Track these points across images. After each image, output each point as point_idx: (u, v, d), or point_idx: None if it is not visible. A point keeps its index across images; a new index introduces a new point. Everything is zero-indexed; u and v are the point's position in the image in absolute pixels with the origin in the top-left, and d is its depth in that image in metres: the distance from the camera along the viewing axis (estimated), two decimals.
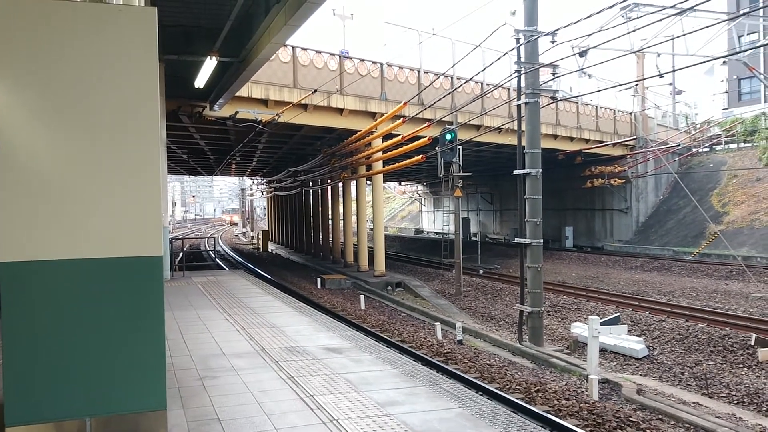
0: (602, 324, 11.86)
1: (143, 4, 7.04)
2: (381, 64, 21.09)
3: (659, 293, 18.35)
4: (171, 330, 7.70)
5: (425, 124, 16.67)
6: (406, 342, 11.26)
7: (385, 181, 39.54)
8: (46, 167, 3.44)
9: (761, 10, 22.27)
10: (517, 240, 12.87)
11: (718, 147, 34.82)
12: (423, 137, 17.13)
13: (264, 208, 74.37)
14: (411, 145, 17.40)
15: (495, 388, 8.08)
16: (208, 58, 12.17)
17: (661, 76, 13.84)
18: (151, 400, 3.66)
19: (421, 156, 18.08)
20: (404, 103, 16.32)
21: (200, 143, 25.37)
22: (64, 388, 3.48)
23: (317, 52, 19.33)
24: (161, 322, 3.69)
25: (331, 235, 28.86)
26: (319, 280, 20.83)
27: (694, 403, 8.58)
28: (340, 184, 27.17)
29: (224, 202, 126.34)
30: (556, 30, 11.61)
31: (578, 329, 12.85)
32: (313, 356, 6.28)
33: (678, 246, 27.68)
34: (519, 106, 12.68)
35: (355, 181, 24.61)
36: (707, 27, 10.54)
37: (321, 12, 9.59)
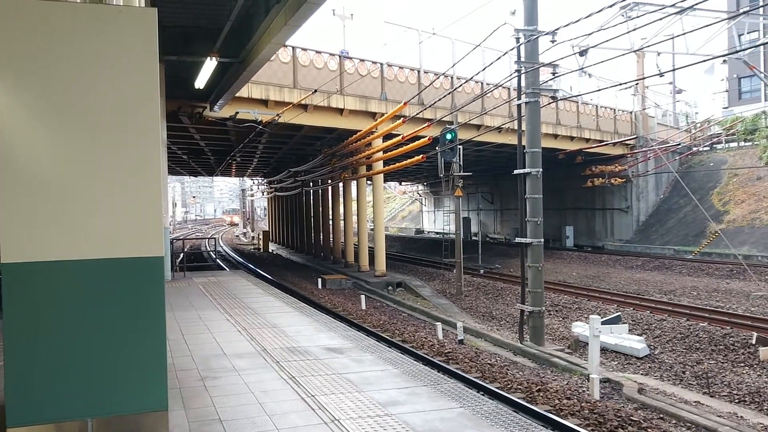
0: (603, 323, 11.86)
1: (143, 5, 7.04)
2: (381, 64, 21.09)
3: (660, 292, 18.33)
4: (172, 330, 7.70)
5: (425, 124, 16.67)
6: (407, 342, 11.26)
7: (385, 181, 39.54)
8: (46, 168, 3.44)
9: (761, 9, 22.26)
10: (517, 239, 12.87)
11: (719, 146, 34.81)
12: (423, 137, 17.13)
13: (264, 209, 74.41)
14: (411, 145, 17.40)
15: (496, 388, 8.07)
16: (208, 58, 12.17)
17: (661, 75, 13.84)
18: (153, 400, 3.66)
19: (421, 156, 18.08)
20: (404, 103, 16.32)
21: (200, 144, 25.37)
22: (65, 388, 3.48)
23: (317, 52, 19.33)
24: (162, 323, 3.69)
25: (331, 235, 28.86)
26: (319, 280, 20.83)
27: (695, 402, 8.58)
28: (341, 184, 27.17)
29: (225, 203, 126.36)
30: (556, 29, 11.60)
31: (579, 329, 12.85)
32: (315, 356, 6.28)
33: (679, 245, 27.67)
34: (519, 106, 12.68)
35: (355, 181, 24.62)
36: (707, 26, 10.52)
37: (321, 12, 9.60)
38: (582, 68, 16.17)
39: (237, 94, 16.38)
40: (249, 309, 9.58)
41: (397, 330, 12.69)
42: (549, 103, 17.08)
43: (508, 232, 38.77)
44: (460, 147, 18.83)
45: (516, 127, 13.01)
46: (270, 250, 38.93)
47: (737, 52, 15.89)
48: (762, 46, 34.62)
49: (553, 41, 11.88)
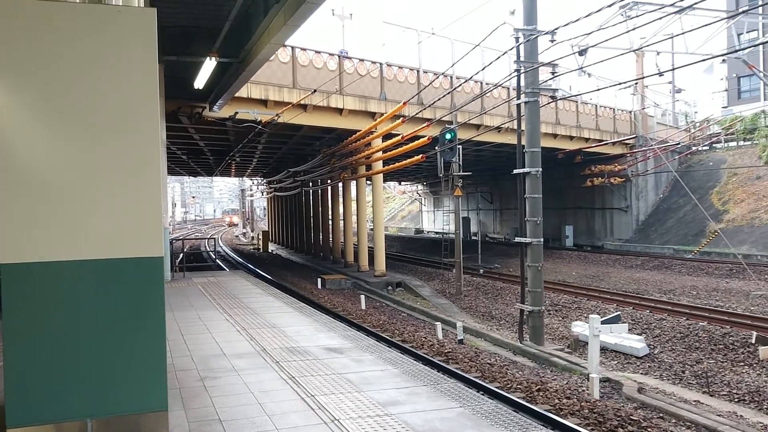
0: (603, 323, 11.86)
1: (143, 5, 7.04)
2: (380, 63, 21.09)
3: (660, 292, 18.34)
4: (172, 331, 7.69)
5: (425, 124, 16.67)
6: (406, 342, 11.26)
7: (384, 180, 39.52)
8: (46, 168, 3.44)
9: (760, 8, 22.26)
10: (517, 239, 12.88)
11: (718, 145, 34.82)
12: (423, 137, 17.13)
13: (264, 209, 74.37)
14: (411, 144, 17.39)
15: (496, 388, 8.07)
16: (208, 58, 12.16)
17: (660, 74, 13.85)
18: (152, 400, 3.66)
19: (420, 156, 18.07)
20: (404, 103, 16.32)
21: (200, 144, 25.36)
22: (64, 389, 3.48)
23: (316, 52, 19.33)
24: (162, 323, 3.69)
25: (331, 235, 28.85)
26: (319, 280, 20.82)
27: (695, 401, 8.58)
28: (340, 184, 27.16)
29: (224, 203, 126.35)
30: (556, 29, 11.60)
31: (579, 328, 12.85)
32: (314, 356, 6.28)
33: (678, 244, 27.68)
34: (518, 105, 12.68)
35: (354, 181, 24.61)
36: (706, 25, 10.52)
37: (320, 12, 9.59)
38: (581, 68, 16.17)
39: (236, 94, 16.38)
40: (248, 309, 9.57)
41: (397, 330, 12.70)
42: (548, 103, 17.09)
43: (507, 232, 38.77)
44: (460, 147, 18.83)
45: (515, 127, 13.01)
46: (269, 250, 38.92)
47: (736, 51, 15.90)
48: (761, 46, 34.62)
49: (552, 41, 11.88)
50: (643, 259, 25.99)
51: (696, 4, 11.71)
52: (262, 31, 11.05)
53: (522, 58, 12.28)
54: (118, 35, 3.53)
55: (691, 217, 28.95)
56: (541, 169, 12.22)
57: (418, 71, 22.11)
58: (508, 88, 23.05)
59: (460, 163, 19.56)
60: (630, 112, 32.91)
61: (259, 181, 51.25)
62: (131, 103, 3.57)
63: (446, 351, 10.64)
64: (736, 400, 8.94)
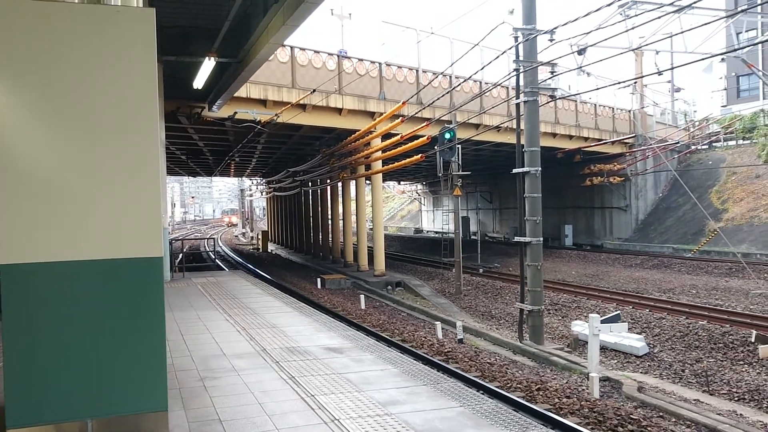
0: (602, 322, 11.86)
1: (141, 5, 7.04)
2: (379, 63, 21.08)
3: (659, 291, 18.35)
4: (171, 331, 7.69)
5: (424, 123, 16.66)
6: (406, 341, 11.26)
7: (384, 180, 39.54)
8: (45, 168, 3.44)
9: (759, 7, 22.28)
10: (516, 238, 12.88)
11: (717, 144, 34.84)
12: (422, 136, 17.12)
13: (263, 209, 74.35)
14: (410, 144, 17.39)
15: (496, 387, 8.08)
16: (207, 58, 12.15)
17: (659, 73, 13.84)
18: (152, 401, 3.66)
19: (420, 155, 18.07)
20: (403, 103, 16.32)
21: (199, 144, 25.35)
22: (64, 389, 3.48)
23: (315, 52, 19.32)
24: (162, 323, 3.68)
25: (330, 235, 28.85)
26: (319, 280, 20.82)
27: (694, 400, 8.59)
28: (340, 184, 27.16)
29: (223, 203, 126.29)
30: (555, 28, 11.60)
31: (579, 327, 12.85)
32: (314, 356, 6.28)
33: (678, 243, 27.69)
34: (518, 105, 12.68)
35: (354, 181, 24.61)
36: (705, 24, 10.54)
37: (319, 12, 9.59)
38: (580, 67, 16.16)
39: (235, 94, 16.37)
40: (248, 309, 9.57)
41: (397, 329, 12.70)
42: (547, 102, 17.10)
43: (507, 231, 38.78)
44: (459, 146, 18.82)
45: (515, 126, 13.01)
46: (269, 250, 38.92)
47: (735, 50, 15.91)
48: (760, 45, 34.65)
49: (551, 40, 11.88)
50: (642, 258, 26.01)
51: (695, 3, 11.73)
52: (261, 31, 11.05)
53: (521, 58, 12.29)
54: (117, 35, 3.53)
55: (690, 216, 28.97)
56: (540, 169, 12.22)
57: (417, 71, 22.11)
58: (507, 88, 23.06)
59: (460, 162, 19.55)
60: (629, 111, 32.92)
61: (259, 181, 51.24)
62: (130, 103, 3.57)
63: (446, 350, 10.65)
64: (736, 398, 8.94)
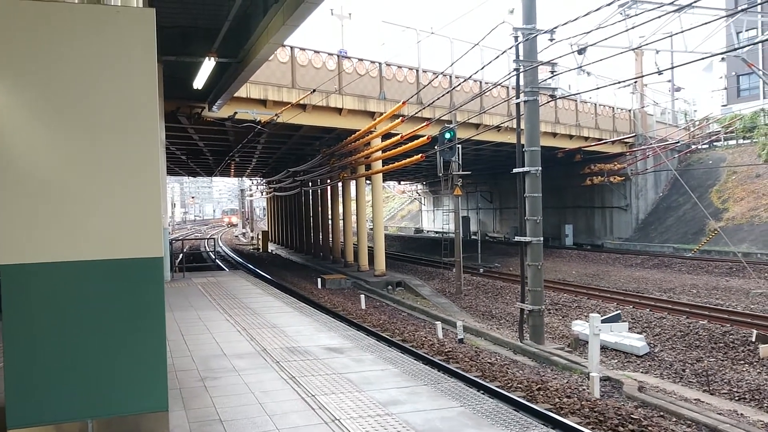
0: (603, 322, 11.84)
1: (141, 5, 7.04)
2: (379, 63, 21.08)
3: (660, 290, 18.35)
4: (172, 331, 7.69)
5: (424, 123, 16.66)
6: (407, 341, 11.26)
7: (384, 180, 39.53)
8: (45, 168, 3.43)
9: (759, 6, 22.27)
10: (517, 238, 12.87)
11: (717, 143, 34.82)
12: (422, 136, 17.12)
13: (263, 209, 74.35)
14: (410, 144, 17.39)
15: (496, 387, 8.08)
16: (207, 58, 12.15)
17: (659, 73, 13.83)
18: (153, 401, 3.66)
19: (420, 155, 18.06)
20: (403, 103, 16.31)
21: (199, 144, 25.35)
22: (65, 389, 3.48)
23: (315, 52, 19.32)
24: (162, 323, 3.68)
25: (330, 235, 28.85)
26: (319, 280, 20.82)
27: (695, 400, 8.58)
28: (340, 184, 27.15)
29: (223, 203, 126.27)
30: (555, 28, 11.60)
31: (579, 327, 12.85)
32: (315, 356, 6.28)
33: (678, 243, 27.68)
34: (518, 104, 12.68)
35: (354, 181, 24.60)
36: (705, 24, 10.54)
37: (319, 12, 9.59)
38: (580, 66, 16.16)
39: (235, 94, 16.37)
40: (248, 309, 9.57)
41: (397, 329, 12.70)
42: (547, 102, 17.10)
43: (507, 231, 38.78)
44: (459, 146, 18.82)
45: (515, 126, 13.01)
46: (269, 250, 38.92)
47: (736, 49, 15.91)
48: (760, 44, 34.64)
49: (551, 40, 11.88)
50: (642, 257, 26.00)
51: (695, 2, 11.72)
52: (261, 31, 11.04)
53: (521, 57, 12.28)
54: (117, 35, 3.53)
55: (690, 215, 28.96)
56: (540, 168, 12.21)
57: (417, 70, 22.10)
58: (508, 87, 23.06)
59: (460, 162, 19.55)
60: (629, 110, 32.91)
61: (259, 181, 51.23)
62: (130, 103, 3.57)
63: (446, 350, 10.65)
64: (737, 398, 8.94)
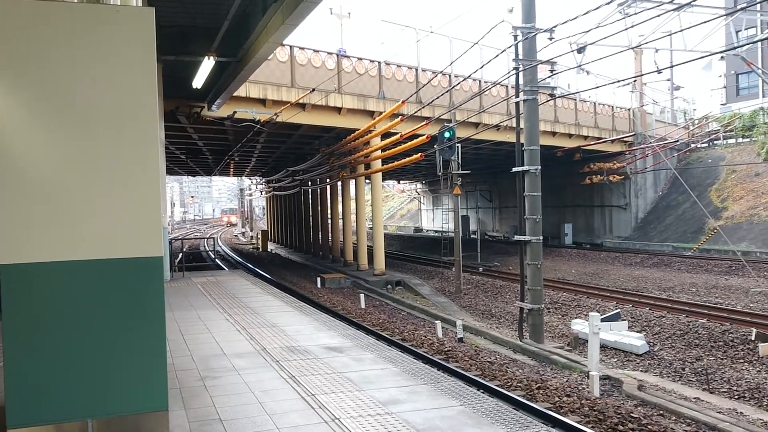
0: (603, 320, 11.83)
1: (140, 5, 7.02)
2: (379, 62, 21.06)
3: (659, 289, 18.36)
4: (171, 331, 7.69)
5: (423, 122, 16.66)
6: (406, 340, 11.26)
7: (383, 179, 39.54)
8: (44, 168, 3.43)
9: (759, 5, 22.27)
10: (516, 237, 12.87)
11: (717, 142, 34.83)
12: (421, 135, 17.11)
13: (263, 208, 74.31)
14: (409, 143, 17.38)
15: (496, 386, 8.08)
16: (206, 58, 12.14)
17: (659, 71, 13.84)
18: (153, 400, 3.66)
19: (419, 154, 18.07)
20: (402, 102, 16.31)
21: (198, 143, 25.34)
22: (65, 389, 3.48)
23: (315, 51, 19.30)
24: (162, 323, 3.68)
25: (330, 234, 28.85)
26: (318, 279, 20.82)
27: (695, 398, 8.59)
28: (339, 183, 27.14)
29: (223, 202, 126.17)
30: (554, 27, 11.60)
31: (579, 326, 12.86)
32: (314, 355, 6.28)
33: (677, 242, 27.70)
34: (517, 103, 12.68)
35: (353, 180, 24.60)
36: (705, 22, 10.53)
37: (318, 11, 9.59)
38: (580, 65, 16.14)
39: (235, 94, 16.36)
40: (248, 308, 9.57)
41: (397, 328, 12.70)
42: (547, 101, 17.11)
43: (506, 230, 38.79)
44: (459, 145, 18.82)
45: (514, 125, 13.00)
46: (269, 250, 38.91)
47: (735, 48, 15.91)
48: (759, 43, 34.64)
49: (550, 38, 11.88)
50: (642, 256, 26.01)
51: (694, 1, 11.72)
52: (261, 30, 11.04)
53: (520, 56, 12.28)
54: (117, 35, 3.53)
55: (690, 214, 28.97)
56: (540, 167, 12.21)
57: (416, 70, 22.09)
58: (507, 86, 23.03)
59: (459, 161, 19.55)
60: (629, 109, 32.91)
61: (258, 180, 51.22)
62: (130, 102, 3.56)
63: (446, 349, 10.65)
64: (736, 397, 8.94)
